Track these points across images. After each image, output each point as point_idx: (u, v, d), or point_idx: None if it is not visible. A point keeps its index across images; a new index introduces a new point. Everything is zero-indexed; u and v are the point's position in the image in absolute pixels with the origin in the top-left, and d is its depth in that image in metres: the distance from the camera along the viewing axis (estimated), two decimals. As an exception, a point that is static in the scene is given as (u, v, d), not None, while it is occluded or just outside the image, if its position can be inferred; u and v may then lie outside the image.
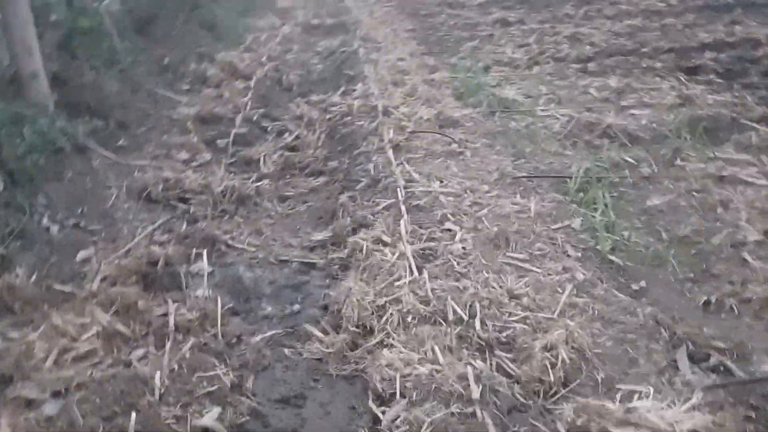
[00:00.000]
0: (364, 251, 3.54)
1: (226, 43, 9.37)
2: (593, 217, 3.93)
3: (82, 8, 6.19)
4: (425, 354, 2.61)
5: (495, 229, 3.66)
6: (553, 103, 6.34)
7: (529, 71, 7.76)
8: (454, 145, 5.04)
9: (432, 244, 3.49)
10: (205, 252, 3.77)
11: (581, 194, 4.21)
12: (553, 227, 3.80)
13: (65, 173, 4.42)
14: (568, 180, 4.36)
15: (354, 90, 6.94)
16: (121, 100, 5.87)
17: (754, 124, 5.16)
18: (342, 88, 7.12)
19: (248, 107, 6.58)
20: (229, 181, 4.78)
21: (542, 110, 6.03)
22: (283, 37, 10.05)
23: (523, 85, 7.07)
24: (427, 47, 9.56)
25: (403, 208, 3.91)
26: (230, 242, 3.99)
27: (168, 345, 2.80)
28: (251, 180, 5.03)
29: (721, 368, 2.77)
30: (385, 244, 3.56)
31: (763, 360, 2.82)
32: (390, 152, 4.90)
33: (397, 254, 3.38)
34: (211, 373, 2.61)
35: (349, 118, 6.14)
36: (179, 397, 2.44)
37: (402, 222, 3.65)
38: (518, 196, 4.16)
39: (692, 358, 2.79)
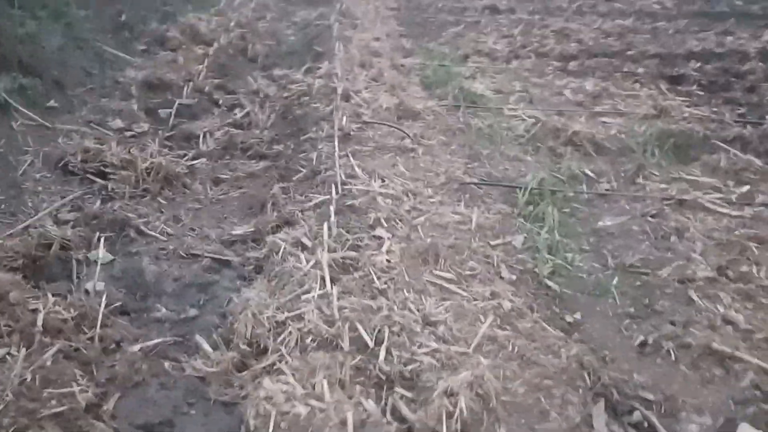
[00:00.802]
0: (280, 254, 3.21)
1: (197, 4, 8.90)
2: (538, 234, 3.62)
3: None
4: (312, 387, 2.30)
5: (428, 240, 3.35)
6: (524, 102, 6.00)
7: (506, 65, 7.41)
8: (407, 141, 4.70)
9: (354, 253, 3.17)
10: (103, 238, 3.41)
11: (530, 207, 3.91)
12: (492, 243, 3.49)
13: (-26, 134, 4.03)
14: (519, 190, 4.04)
15: (319, 68, 6.56)
16: (61, 57, 5.45)
17: (727, 146, 4.86)
18: (306, 65, 6.74)
19: (202, 76, 6.18)
20: (161, 157, 4.42)
21: (510, 109, 5.70)
22: (259, 3, 9.59)
23: (496, 80, 6.73)
24: (407, 29, 9.17)
25: (332, 208, 3.57)
26: (142, 228, 3.64)
27: (30, 349, 2.47)
28: (186, 158, 4.68)
29: (645, 425, 2.50)
30: (304, 248, 3.23)
31: (691, 419, 2.55)
32: (337, 142, 4.55)
33: (313, 261, 3.06)
34: (66, 389, 2.28)
35: (307, 98, 5.77)
36: (17, 418, 2.12)
37: (325, 225, 3.32)
38: (462, 204, 3.85)
39: (614, 411, 2.52)
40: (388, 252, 3.20)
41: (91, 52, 5.96)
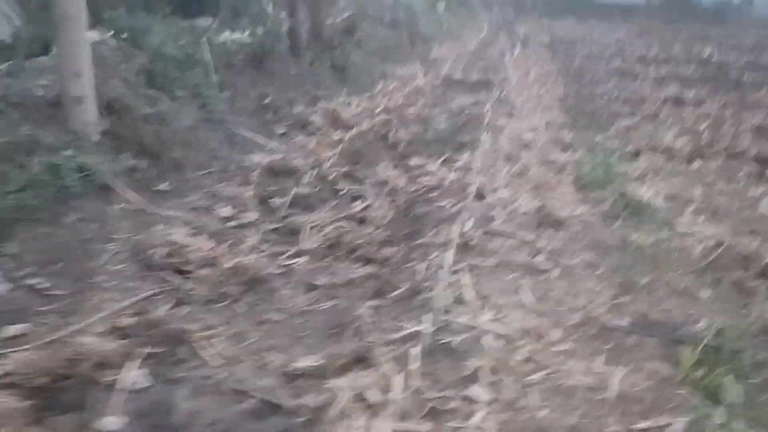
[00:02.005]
0: (333, 410, 2.44)
1: (352, 89, 8.73)
2: (709, 417, 2.51)
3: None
4: None
5: (541, 414, 2.40)
6: (704, 215, 4.81)
7: (687, 165, 6.23)
8: (541, 258, 3.78)
9: (429, 426, 2.31)
10: (148, 357, 2.86)
11: (701, 372, 2.79)
12: (638, 426, 2.45)
13: (65, 218, 3.78)
14: (686, 345, 2.94)
15: (458, 160, 5.87)
16: (187, 138, 5.28)
17: None
18: (444, 156, 6.08)
19: (331, 163, 5.75)
20: (252, 255, 3.91)
21: (684, 223, 4.55)
22: (414, 89, 9.23)
23: (671, 184, 5.58)
24: (571, 119, 8.26)
25: (417, 349, 2.75)
26: (198, 347, 3.06)
27: None
28: (285, 255, 4.14)
29: None
30: (368, 407, 2.43)
31: None
32: (452, 253, 3.75)
33: (369, 432, 2.25)
34: None
35: (436, 193, 5.08)
36: None
37: (398, 377, 2.50)
38: (602, 358, 2.84)
39: None
40: (477, 430, 2.29)
41: (223, 134, 5.78)
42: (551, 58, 14.26)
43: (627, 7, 25.20)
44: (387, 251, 4.20)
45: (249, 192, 4.91)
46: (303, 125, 6.78)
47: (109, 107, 4.75)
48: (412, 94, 8.94)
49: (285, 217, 4.69)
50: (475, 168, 5.46)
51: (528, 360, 2.77)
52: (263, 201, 4.90)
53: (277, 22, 8.07)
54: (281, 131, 6.69)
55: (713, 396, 2.67)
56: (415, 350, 2.72)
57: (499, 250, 3.90)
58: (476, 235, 4.04)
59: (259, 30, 7.52)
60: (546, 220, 4.39)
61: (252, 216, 4.62)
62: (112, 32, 5.81)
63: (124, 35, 5.91)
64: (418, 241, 4.17)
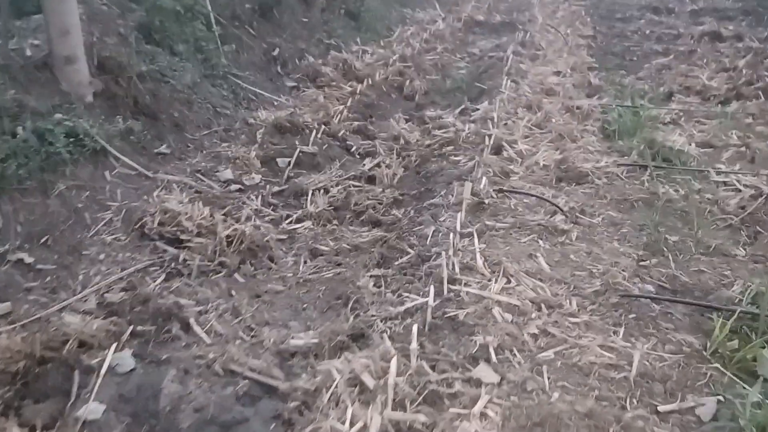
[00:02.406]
0: (326, 396, 2.24)
1: (368, 35, 8.34)
2: (744, 398, 2.25)
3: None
4: None
5: (553, 398, 2.17)
6: (741, 162, 4.44)
7: (723, 107, 5.77)
8: (560, 218, 3.49)
9: (427, 413, 2.10)
10: (135, 335, 2.70)
11: (734, 344, 2.51)
12: (661, 409, 2.21)
13: (54, 187, 3.60)
14: (718, 314, 2.66)
15: (476, 110, 5.53)
16: (189, 96, 5.03)
17: None
18: (462, 106, 5.74)
19: (341, 117, 5.47)
20: (253, 222, 3.71)
21: (720, 172, 4.20)
22: (433, 34, 8.78)
23: (706, 128, 5.18)
24: (599, 60, 7.76)
25: (425, 320, 2.53)
26: (191, 322, 2.88)
27: None
28: (289, 220, 3.93)
29: None
30: (362, 391, 2.23)
31: None
32: (463, 214, 3.49)
33: (360, 425, 2.04)
34: None
35: (451, 147, 4.79)
36: None
37: (394, 360, 2.28)
38: (621, 331, 2.58)
39: None
40: (481, 417, 2.08)
41: (227, 90, 5.52)
42: (580, -5, 13.50)
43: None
44: (395, 213, 3.96)
45: (253, 152, 4.68)
46: (314, 77, 6.46)
47: (102, 66, 4.51)
48: (430, 39, 8.51)
49: (290, 178, 4.46)
50: (494, 118, 5.13)
51: (540, 334, 2.53)
52: (268, 161, 4.66)
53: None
54: (290, 84, 6.39)
55: (748, 371, 2.40)
56: (418, 326, 2.49)
57: (514, 209, 3.62)
58: (491, 193, 3.76)
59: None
60: (567, 174, 4.09)
61: (255, 178, 4.40)
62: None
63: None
64: (429, 201, 3.91)
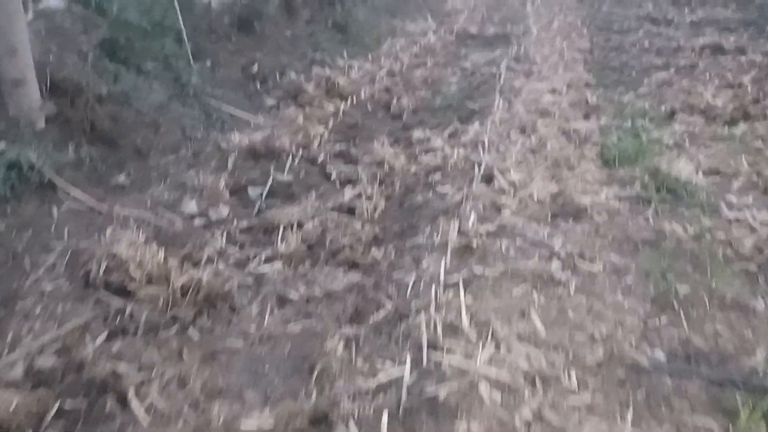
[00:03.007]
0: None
1: (356, 48, 7.98)
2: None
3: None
4: None
5: None
6: (754, 192, 4.08)
7: (730, 128, 5.42)
8: (556, 264, 3.11)
9: None
10: (62, 412, 2.30)
11: (764, 430, 2.13)
12: None
13: (-10, 227, 3.21)
14: (739, 392, 2.27)
15: (467, 132, 5.16)
16: (154, 119, 4.65)
17: None
18: (451, 127, 5.37)
19: (322, 140, 5.09)
20: (213, 266, 3.32)
21: (731, 205, 3.83)
22: (424, 47, 8.42)
23: (713, 152, 4.82)
24: (597, 76, 7.41)
25: (402, 397, 2.14)
26: (131, 396, 2.48)
27: None
28: (255, 261, 3.54)
29: None
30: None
31: None
32: (448, 259, 3.11)
33: None
34: None
35: (438, 175, 4.41)
36: None
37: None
38: (629, 414, 2.19)
39: None
40: None
41: (198, 111, 5.14)
42: (576, 4, 13.19)
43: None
44: (374, 254, 3.56)
45: (222, 180, 4.29)
46: (295, 95, 6.08)
47: (57, 88, 4.13)
48: (421, 53, 8.16)
49: (261, 211, 4.07)
50: (485, 142, 4.76)
51: (534, 420, 2.14)
52: (238, 191, 4.29)
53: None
54: (270, 103, 6.02)
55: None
56: (390, 410, 2.10)
57: (506, 253, 3.24)
58: (479, 233, 3.38)
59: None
60: (564, 209, 3.71)
61: (223, 211, 4.01)
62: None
63: (89, 2, 5.24)
64: (412, 241, 3.53)
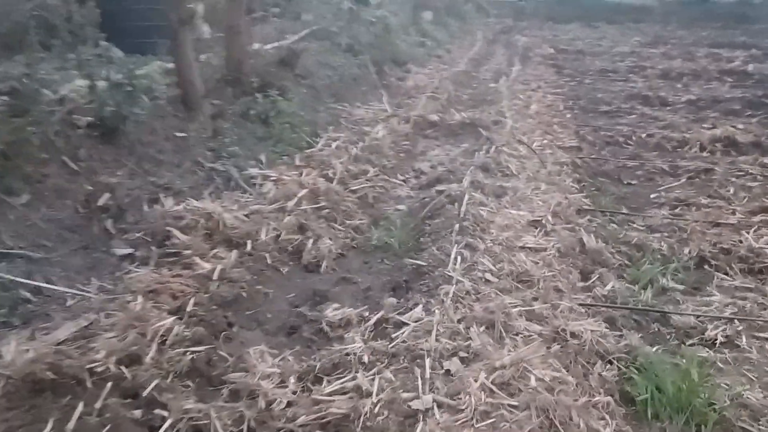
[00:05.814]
0: None
1: (277, 149, 6.12)
2: None
3: None
4: None
5: None
6: None
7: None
8: None
9: None
10: None
11: None
12: None
13: None
14: None
15: (413, 308, 3.28)
16: None
17: None
18: (387, 296, 3.48)
19: (164, 348, 3.12)
20: None
21: None
22: (369, 145, 6.56)
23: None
24: (590, 193, 5.64)
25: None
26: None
27: None
28: None
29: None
30: None
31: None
32: None
33: None
34: None
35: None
36: None
37: None
38: None
39: None
40: None
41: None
42: (557, 79, 11.61)
43: (638, 9, 22.42)
44: None
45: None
46: (162, 239, 4.14)
47: None
48: (363, 154, 6.28)
49: None
50: (429, 352, 2.86)
51: None
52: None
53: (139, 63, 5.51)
54: (122, 252, 4.07)
55: None
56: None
57: None
58: None
59: (105, 78, 4.90)
60: None
61: None
62: None
63: None
64: None
